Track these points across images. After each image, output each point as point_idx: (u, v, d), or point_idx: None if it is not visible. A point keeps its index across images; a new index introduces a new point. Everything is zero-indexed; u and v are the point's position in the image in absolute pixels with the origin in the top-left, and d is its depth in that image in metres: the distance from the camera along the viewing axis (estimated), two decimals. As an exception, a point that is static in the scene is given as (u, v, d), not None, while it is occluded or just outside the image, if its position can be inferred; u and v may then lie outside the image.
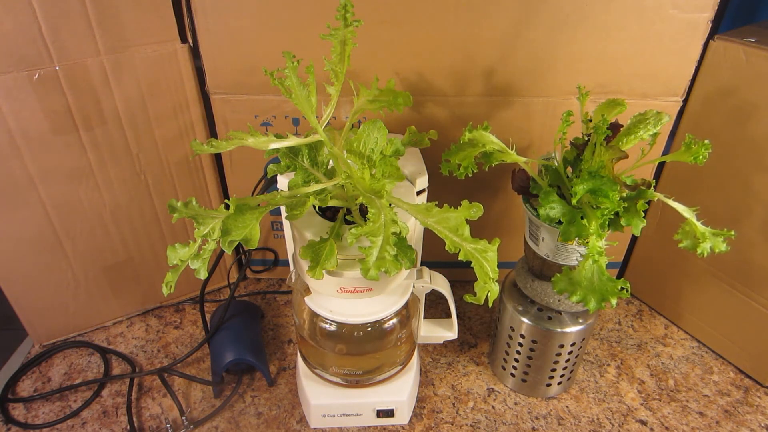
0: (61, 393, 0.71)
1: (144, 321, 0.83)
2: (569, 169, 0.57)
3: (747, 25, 0.69)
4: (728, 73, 0.65)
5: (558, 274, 0.50)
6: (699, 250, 0.50)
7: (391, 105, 0.55)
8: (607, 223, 0.50)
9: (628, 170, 0.54)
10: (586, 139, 0.54)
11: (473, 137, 0.52)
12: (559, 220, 0.52)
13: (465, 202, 0.46)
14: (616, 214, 0.51)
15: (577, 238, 0.50)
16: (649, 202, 0.52)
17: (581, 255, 0.55)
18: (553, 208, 0.51)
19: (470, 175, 0.56)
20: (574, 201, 0.50)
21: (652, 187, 0.51)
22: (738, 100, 0.65)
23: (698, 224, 0.50)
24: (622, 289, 0.48)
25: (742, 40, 0.63)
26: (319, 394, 0.66)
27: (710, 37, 0.65)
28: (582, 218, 0.50)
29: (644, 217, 0.50)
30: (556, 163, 0.57)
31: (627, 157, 0.50)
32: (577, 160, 0.55)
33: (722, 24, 0.75)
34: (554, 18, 0.63)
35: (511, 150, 0.53)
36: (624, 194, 0.51)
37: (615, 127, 0.53)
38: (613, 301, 0.48)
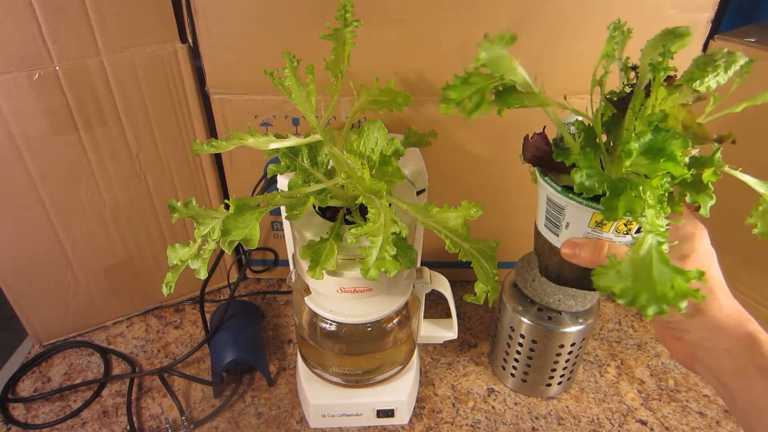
0: (61, 393, 0.71)
1: (144, 321, 0.83)
2: (603, 137, 0.43)
3: (747, 25, 0.69)
4: (728, 73, 0.65)
5: (601, 267, 0.35)
6: None
7: (391, 105, 0.55)
8: (666, 195, 0.36)
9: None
10: (628, 90, 0.41)
11: (490, 58, 0.38)
12: (596, 196, 0.36)
13: (465, 202, 0.46)
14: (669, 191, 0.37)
15: (614, 224, 0.38)
16: None
17: None
18: (591, 176, 0.36)
19: (481, 116, 0.39)
20: (627, 164, 0.36)
21: (719, 152, 0.37)
22: (738, 100, 0.64)
23: None
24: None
25: (742, 40, 0.63)
26: (319, 394, 0.66)
27: (710, 37, 0.65)
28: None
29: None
30: (590, 119, 0.42)
31: (706, 98, 0.38)
32: (615, 121, 0.41)
33: (722, 24, 0.75)
34: (554, 18, 0.63)
35: (539, 89, 0.39)
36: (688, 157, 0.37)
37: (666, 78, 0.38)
38: (683, 305, 0.32)
